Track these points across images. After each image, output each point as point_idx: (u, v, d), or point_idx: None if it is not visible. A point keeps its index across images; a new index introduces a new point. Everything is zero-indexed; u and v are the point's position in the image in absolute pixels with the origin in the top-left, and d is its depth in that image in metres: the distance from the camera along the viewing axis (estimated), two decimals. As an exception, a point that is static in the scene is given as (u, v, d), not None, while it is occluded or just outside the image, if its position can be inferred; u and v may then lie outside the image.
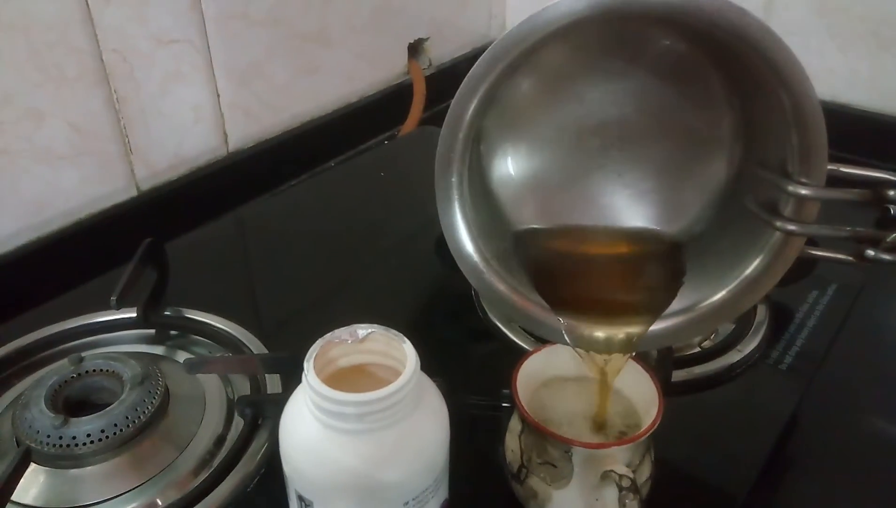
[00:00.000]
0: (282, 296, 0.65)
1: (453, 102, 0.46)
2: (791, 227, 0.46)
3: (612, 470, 0.38)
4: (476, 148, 0.52)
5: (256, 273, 0.70)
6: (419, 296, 0.66)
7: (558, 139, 0.53)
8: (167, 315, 0.59)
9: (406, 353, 0.35)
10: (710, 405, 0.53)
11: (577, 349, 0.46)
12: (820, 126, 0.43)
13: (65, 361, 0.51)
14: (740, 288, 0.49)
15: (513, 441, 0.43)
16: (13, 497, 0.44)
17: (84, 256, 0.68)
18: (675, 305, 0.50)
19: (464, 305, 0.63)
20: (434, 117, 0.99)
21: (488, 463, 0.47)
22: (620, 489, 0.38)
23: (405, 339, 0.36)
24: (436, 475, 0.36)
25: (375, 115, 0.97)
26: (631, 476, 0.38)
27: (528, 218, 0.54)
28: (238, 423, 0.50)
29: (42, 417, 0.46)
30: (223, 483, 0.46)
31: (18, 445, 0.46)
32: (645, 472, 0.41)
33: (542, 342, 0.53)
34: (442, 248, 0.60)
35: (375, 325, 0.37)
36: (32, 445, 0.46)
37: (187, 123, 0.78)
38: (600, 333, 0.47)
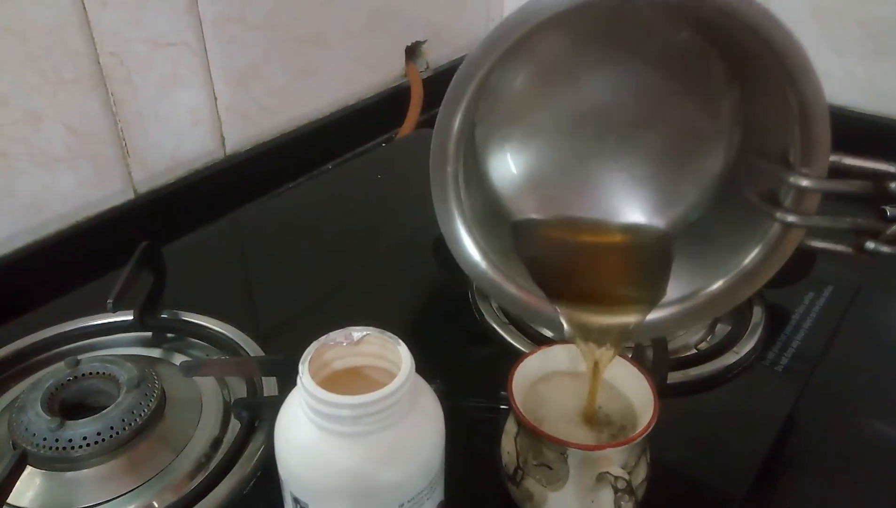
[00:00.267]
0: (279, 299, 0.65)
1: (450, 87, 0.45)
2: (791, 218, 0.46)
3: (607, 472, 0.38)
4: (471, 137, 0.51)
5: (253, 276, 0.70)
6: (416, 299, 0.66)
7: (554, 126, 0.53)
8: (164, 318, 0.59)
9: (401, 355, 0.35)
10: (707, 406, 0.53)
11: (574, 339, 0.45)
12: (824, 117, 0.43)
13: (61, 364, 0.51)
14: (737, 279, 0.49)
15: (509, 443, 0.43)
16: (9, 500, 0.44)
17: (81, 259, 0.68)
18: (672, 294, 0.50)
19: (461, 307, 0.63)
20: (431, 120, 0.98)
21: (484, 466, 0.46)
22: (616, 490, 0.38)
23: (400, 341, 0.36)
24: (431, 477, 0.36)
25: (373, 118, 0.98)
26: (626, 477, 0.38)
27: (523, 205, 0.54)
28: (234, 426, 0.50)
29: (38, 420, 0.46)
30: (219, 485, 0.46)
31: (14, 448, 0.46)
32: (640, 474, 0.41)
33: (538, 344, 0.53)
34: (439, 251, 0.61)
35: (370, 327, 0.37)
36: (29, 448, 0.45)
37: (184, 126, 0.78)
38: (597, 322, 0.46)
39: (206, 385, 0.53)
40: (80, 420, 0.47)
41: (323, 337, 0.37)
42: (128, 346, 0.58)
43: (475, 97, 0.46)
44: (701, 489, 0.48)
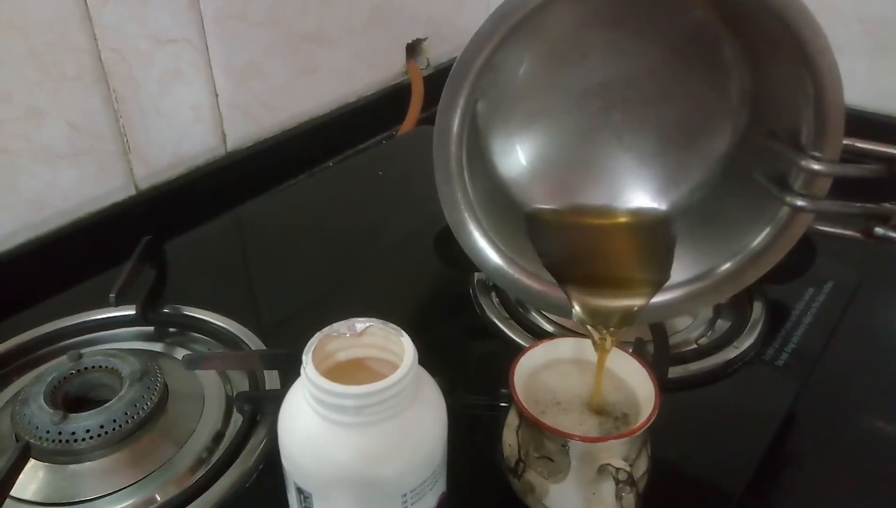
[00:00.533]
0: (280, 294, 0.66)
1: (456, 64, 0.45)
2: (801, 202, 0.45)
3: (608, 464, 0.39)
4: (474, 117, 0.51)
5: (255, 272, 0.70)
6: (417, 295, 0.66)
7: (558, 103, 0.52)
8: (166, 313, 0.59)
9: (404, 346, 0.36)
10: (707, 401, 0.54)
11: (583, 321, 0.45)
12: (839, 100, 0.42)
13: (64, 357, 0.51)
14: (745, 261, 0.49)
15: (510, 436, 0.43)
16: (12, 493, 0.44)
17: (83, 254, 0.68)
18: (680, 276, 0.49)
19: (461, 303, 0.63)
20: (432, 118, 0.98)
21: (486, 460, 0.47)
22: (617, 482, 0.38)
23: (403, 332, 0.36)
24: (434, 468, 0.37)
25: (374, 115, 0.98)
26: (628, 469, 0.38)
27: (527, 185, 0.54)
28: (237, 419, 0.51)
29: (41, 413, 0.47)
30: (221, 478, 0.46)
31: (18, 440, 0.46)
32: (642, 466, 0.42)
33: (539, 338, 0.54)
34: (440, 247, 0.61)
35: (373, 319, 0.37)
36: (32, 440, 0.46)
37: (186, 122, 0.78)
38: (605, 305, 0.46)
39: (209, 379, 0.54)
40: (83, 413, 0.47)
41: (326, 328, 0.37)
42: (130, 340, 0.58)
43: (480, 74, 0.46)
44: (701, 483, 0.48)
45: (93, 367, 0.51)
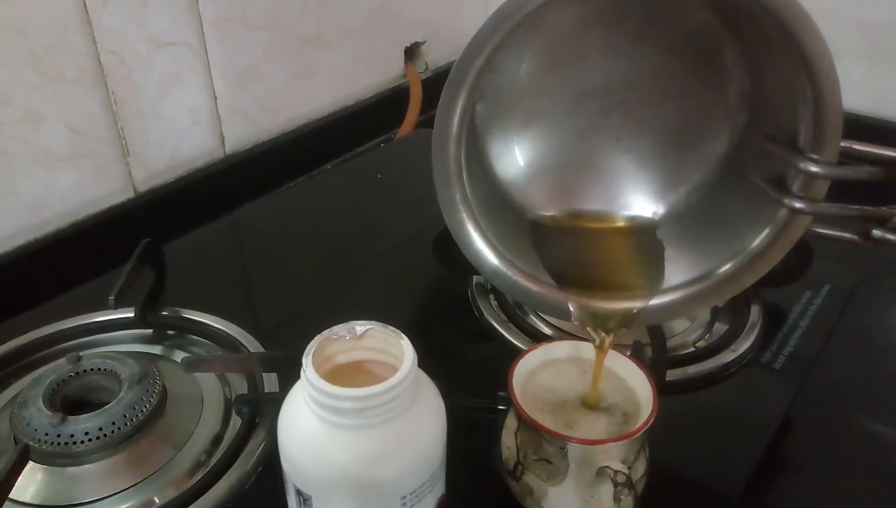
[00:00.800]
0: (278, 297, 0.66)
1: (456, 64, 0.45)
2: (799, 204, 0.45)
3: (607, 466, 0.39)
4: (472, 120, 0.51)
5: (254, 274, 0.70)
6: (416, 298, 0.66)
7: (556, 104, 0.52)
8: (165, 315, 0.59)
9: (404, 349, 0.36)
10: (704, 404, 0.54)
11: (583, 322, 0.45)
12: (837, 103, 0.42)
13: (63, 360, 0.51)
14: (743, 263, 0.48)
15: (509, 439, 0.43)
16: (11, 495, 0.44)
17: (81, 257, 0.68)
18: (678, 278, 0.49)
19: (460, 306, 0.63)
20: (430, 121, 0.98)
21: (484, 464, 0.47)
22: (616, 484, 0.38)
23: (402, 335, 0.37)
24: (433, 470, 0.37)
25: (372, 118, 0.98)
26: (626, 472, 0.38)
27: (524, 184, 0.54)
28: (235, 422, 0.51)
29: (40, 415, 0.47)
30: (220, 481, 0.46)
31: (16, 443, 0.46)
32: (640, 469, 0.42)
33: (537, 341, 0.54)
34: (438, 250, 0.61)
35: (373, 321, 0.38)
36: (30, 443, 0.46)
37: (185, 125, 0.78)
38: (604, 307, 0.46)
39: (207, 382, 0.54)
40: (82, 416, 0.47)
41: (326, 331, 0.37)
42: (129, 343, 0.58)
43: (480, 75, 0.46)
44: (699, 485, 0.48)
45: (92, 369, 0.51)
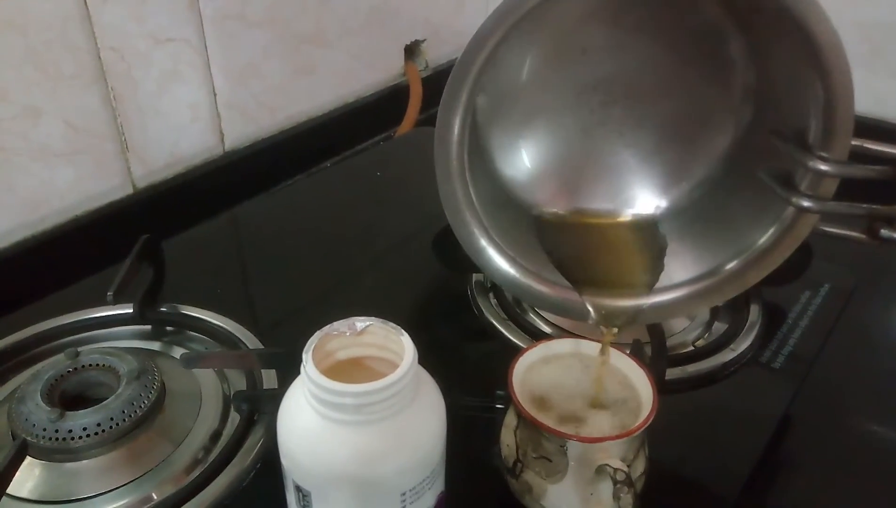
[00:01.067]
0: (277, 294, 0.66)
1: (459, 59, 0.44)
2: (807, 203, 0.44)
3: (606, 464, 0.39)
4: (474, 116, 0.50)
5: (253, 271, 0.70)
6: (415, 296, 0.66)
7: (559, 96, 0.52)
8: (163, 311, 0.59)
9: (404, 345, 0.36)
10: (704, 403, 0.54)
11: (590, 317, 0.45)
12: (849, 100, 0.41)
13: (61, 355, 0.51)
14: (749, 259, 0.48)
15: (508, 436, 0.43)
16: (9, 491, 0.44)
17: (80, 253, 0.68)
18: (684, 275, 0.49)
19: (459, 304, 0.63)
20: (430, 119, 0.99)
21: (484, 462, 0.47)
22: (615, 482, 0.38)
23: (403, 331, 0.37)
24: (433, 466, 0.37)
25: (372, 116, 0.98)
26: (626, 469, 0.38)
27: (526, 179, 0.53)
28: (234, 418, 0.51)
29: (38, 411, 0.46)
30: (218, 477, 0.46)
31: (14, 438, 0.46)
32: (639, 467, 0.42)
33: (536, 339, 0.54)
34: (438, 248, 0.61)
35: (373, 317, 0.38)
36: (28, 438, 0.46)
37: (184, 121, 0.78)
38: (613, 304, 0.46)
39: (206, 378, 0.53)
40: (80, 411, 0.47)
41: (327, 327, 0.37)
42: (127, 339, 0.58)
43: (483, 70, 0.45)
44: (698, 484, 0.48)
45: (90, 365, 0.51)
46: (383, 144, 0.99)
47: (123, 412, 0.47)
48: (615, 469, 0.38)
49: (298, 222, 0.78)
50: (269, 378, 0.53)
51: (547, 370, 0.45)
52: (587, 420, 0.43)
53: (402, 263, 0.70)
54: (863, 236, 0.45)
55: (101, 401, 0.48)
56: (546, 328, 0.59)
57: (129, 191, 0.76)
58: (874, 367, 0.60)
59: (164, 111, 0.76)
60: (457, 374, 0.56)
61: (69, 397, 0.49)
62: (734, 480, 0.47)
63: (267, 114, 0.86)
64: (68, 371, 0.50)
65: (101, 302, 0.56)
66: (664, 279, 0.52)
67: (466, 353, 0.60)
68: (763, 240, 0.48)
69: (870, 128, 0.87)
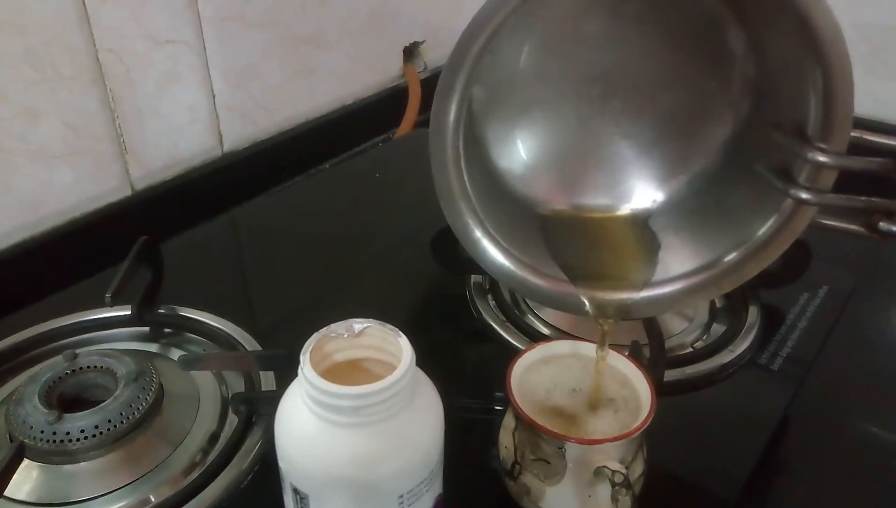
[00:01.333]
0: (276, 296, 0.66)
1: (455, 47, 0.44)
2: (805, 195, 0.44)
3: (605, 466, 0.39)
4: (470, 107, 0.50)
5: (251, 273, 0.70)
6: (414, 297, 0.66)
7: (556, 86, 0.51)
8: (161, 313, 0.59)
9: (402, 347, 0.36)
10: (703, 404, 0.54)
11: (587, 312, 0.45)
12: (849, 92, 0.41)
13: (59, 357, 0.51)
14: (747, 252, 0.48)
15: (506, 438, 0.43)
16: (6, 493, 0.44)
17: (78, 255, 0.68)
18: (679, 268, 0.49)
19: (458, 306, 0.63)
20: (429, 121, 0.99)
21: (482, 464, 0.47)
22: (613, 484, 0.38)
23: (401, 333, 0.36)
24: (431, 469, 0.37)
25: (371, 117, 0.98)
26: (624, 471, 0.38)
27: (522, 171, 0.53)
28: (232, 420, 0.50)
29: (36, 413, 0.46)
30: (216, 480, 0.46)
31: (12, 440, 0.46)
32: (638, 469, 0.42)
33: (535, 341, 0.53)
34: (436, 250, 0.61)
35: (371, 320, 0.37)
36: (26, 440, 0.45)
37: (183, 123, 0.78)
38: (602, 297, 0.46)
39: (204, 380, 0.53)
40: (78, 413, 0.47)
41: (324, 328, 0.37)
42: (125, 341, 0.58)
43: (479, 58, 0.45)
44: (696, 486, 0.48)
45: (88, 367, 0.50)
46: (382, 146, 0.99)
47: (121, 414, 0.47)
48: (613, 471, 0.38)
49: (297, 223, 0.78)
50: (267, 380, 0.53)
51: (545, 371, 0.45)
52: (586, 422, 0.43)
53: (400, 264, 0.70)
54: (862, 229, 0.45)
55: (99, 403, 0.47)
56: (544, 330, 0.59)
57: (128, 192, 0.76)
58: (873, 368, 0.60)
59: (162, 113, 0.76)
60: (455, 376, 0.56)
61: (67, 399, 0.49)
62: (733, 482, 0.47)
63: (266, 115, 0.86)
64: (66, 373, 0.50)
65: (100, 304, 0.56)
66: (661, 273, 0.52)
67: (465, 355, 0.60)
68: (761, 232, 0.47)
69: (869, 130, 0.87)
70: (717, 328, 0.59)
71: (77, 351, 0.51)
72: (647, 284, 0.49)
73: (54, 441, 0.46)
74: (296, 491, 0.36)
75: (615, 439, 0.40)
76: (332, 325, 0.37)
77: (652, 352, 0.53)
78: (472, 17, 0.43)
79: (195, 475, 0.46)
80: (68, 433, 0.46)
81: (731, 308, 0.61)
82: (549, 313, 0.60)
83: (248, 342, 0.56)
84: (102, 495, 0.45)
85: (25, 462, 0.45)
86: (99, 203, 0.73)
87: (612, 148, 0.52)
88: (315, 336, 0.36)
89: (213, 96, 0.80)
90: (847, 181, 0.45)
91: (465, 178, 0.49)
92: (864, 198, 0.44)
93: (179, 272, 0.64)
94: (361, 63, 0.95)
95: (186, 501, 0.45)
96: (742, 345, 0.57)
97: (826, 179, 0.45)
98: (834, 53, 0.41)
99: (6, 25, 0.62)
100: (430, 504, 0.38)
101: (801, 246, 0.54)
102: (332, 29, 0.89)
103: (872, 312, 0.65)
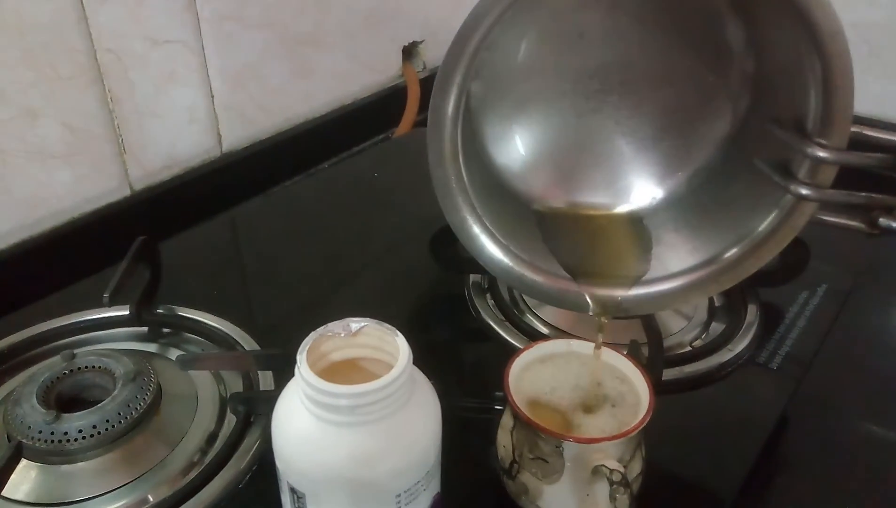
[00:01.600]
0: (274, 296, 0.66)
1: (453, 41, 0.44)
2: (805, 191, 0.44)
3: (603, 465, 0.38)
4: (468, 102, 0.50)
5: (250, 273, 0.70)
6: (412, 297, 0.66)
7: (554, 82, 0.51)
8: (160, 313, 0.59)
9: (398, 346, 0.36)
10: (701, 403, 0.54)
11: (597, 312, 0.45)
12: (849, 87, 0.41)
13: (57, 357, 0.51)
14: (745, 249, 0.48)
15: (504, 437, 0.43)
16: (4, 493, 0.44)
17: (77, 255, 0.68)
18: (678, 265, 0.48)
19: (456, 305, 0.63)
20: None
21: (480, 463, 0.47)
22: (611, 483, 0.38)
23: (398, 332, 0.36)
24: (428, 468, 0.36)
25: (369, 117, 0.98)
26: (622, 470, 0.38)
27: (520, 167, 0.53)
28: (230, 420, 0.50)
29: (34, 413, 0.46)
30: (214, 479, 0.46)
31: (10, 440, 0.46)
32: (636, 468, 0.42)
33: (533, 340, 0.53)
34: (435, 249, 0.61)
35: (368, 319, 0.37)
36: (24, 441, 0.45)
37: (181, 123, 0.78)
38: (598, 293, 0.46)
39: (202, 380, 0.53)
40: (76, 413, 0.47)
41: (321, 328, 0.37)
42: (124, 341, 0.58)
43: (477, 52, 0.45)
44: (695, 485, 0.48)
45: (86, 367, 0.50)
46: (381, 146, 0.99)
47: (119, 414, 0.47)
48: (611, 470, 0.38)
49: (296, 223, 0.78)
50: (265, 380, 0.53)
51: (543, 370, 0.45)
52: (584, 421, 0.43)
53: (399, 264, 0.70)
54: (861, 225, 0.45)
55: (97, 403, 0.47)
56: (543, 329, 0.59)
57: (127, 193, 0.76)
58: (871, 367, 0.60)
59: (161, 113, 0.76)
60: (454, 375, 0.56)
61: (65, 399, 0.49)
62: (731, 481, 0.47)
63: (264, 115, 0.86)
64: (64, 373, 0.50)
65: (98, 304, 0.56)
66: (661, 269, 0.52)
67: (463, 354, 0.60)
68: (761, 228, 0.47)
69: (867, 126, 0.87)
70: (716, 327, 0.59)
71: (75, 351, 0.51)
72: (646, 281, 0.49)
73: (52, 441, 0.46)
74: (293, 491, 0.36)
75: (613, 438, 0.40)
76: (329, 324, 0.37)
77: (650, 351, 0.53)
78: (470, 12, 0.43)
79: (193, 474, 0.46)
80: (66, 433, 0.46)
81: (729, 307, 0.61)
82: (547, 313, 0.60)
83: (247, 342, 0.56)
84: (100, 495, 0.45)
85: (23, 462, 0.46)
86: (98, 203, 0.73)
87: (610, 144, 0.52)
88: (312, 335, 0.36)
89: (212, 96, 0.80)
90: (847, 177, 0.45)
91: (464, 173, 0.49)
92: (863, 194, 0.44)
93: (178, 272, 0.64)
94: (360, 63, 0.95)
95: (184, 501, 0.45)
96: (741, 344, 0.57)
97: (826, 174, 0.44)
98: (834, 47, 0.41)
99: (5, 26, 0.62)
100: (427, 504, 0.38)
101: (799, 245, 0.54)
102: (330, 29, 0.89)
103: (871, 310, 0.65)
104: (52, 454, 0.46)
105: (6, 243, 0.68)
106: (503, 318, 0.60)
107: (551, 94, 0.52)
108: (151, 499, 0.45)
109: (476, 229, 0.50)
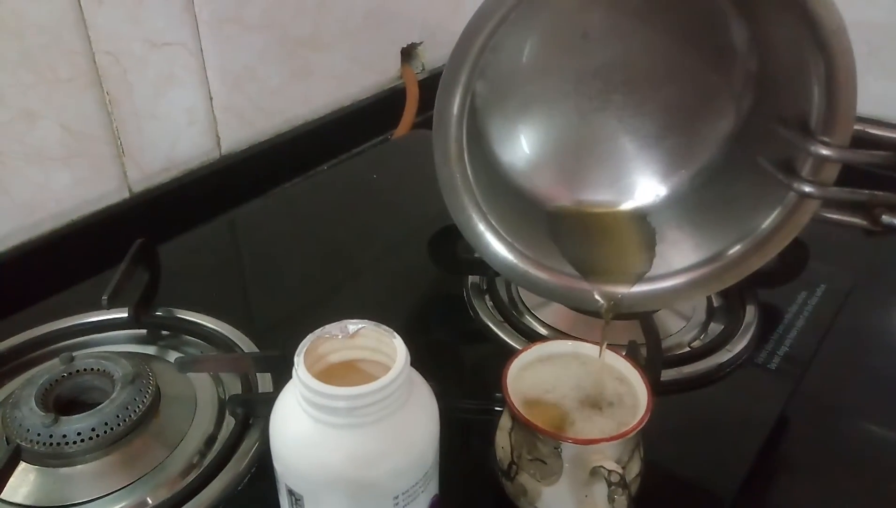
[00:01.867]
0: (273, 298, 0.66)
1: (458, 41, 0.44)
2: (808, 189, 0.44)
3: (601, 466, 0.38)
4: (473, 101, 0.50)
5: (249, 275, 0.70)
6: (411, 298, 0.66)
7: (558, 81, 0.51)
8: (159, 315, 0.59)
9: (396, 348, 0.36)
10: (700, 404, 0.54)
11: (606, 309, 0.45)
12: (852, 84, 0.41)
13: (56, 360, 0.51)
14: (748, 247, 0.48)
15: (503, 438, 0.43)
16: (3, 496, 0.44)
17: (76, 257, 0.68)
18: (681, 262, 0.48)
19: (455, 307, 0.63)
20: (427, 122, 0.98)
21: (479, 464, 0.47)
22: (610, 484, 0.38)
23: (395, 334, 0.36)
24: (426, 469, 0.36)
25: (368, 119, 0.98)
26: (620, 471, 0.38)
27: (525, 166, 0.53)
28: (229, 422, 0.50)
29: (32, 415, 0.46)
30: (213, 482, 0.46)
31: (8, 443, 0.46)
32: (634, 469, 0.42)
33: (532, 341, 0.53)
34: (434, 251, 0.61)
35: (366, 320, 0.37)
36: (23, 443, 0.45)
37: (180, 125, 0.78)
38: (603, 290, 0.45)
39: (201, 382, 0.53)
40: (75, 416, 0.47)
41: (318, 330, 0.37)
42: (122, 343, 0.58)
43: (482, 52, 0.45)
44: (693, 486, 0.48)
45: (85, 370, 0.50)
46: (380, 147, 0.99)
47: (118, 416, 0.47)
48: (610, 471, 0.38)
49: (294, 225, 0.78)
50: (264, 382, 0.53)
51: (542, 371, 0.45)
52: (582, 422, 0.43)
53: (398, 265, 0.70)
54: (864, 223, 0.45)
55: (96, 406, 0.47)
56: (541, 330, 0.59)
57: (126, 195, 0.76)
58: (870, 368, 0.60)
59: (160, 115, 0.76)
60: (452, 376, 0.56)
61: (63, 401, 0.49)
62: (730, 481, 0.47)
63: (263, 117, 0.86)
64: (63, 376, 0.50)
65: (97, 306, 0.56)
66: (664, 267, 0.52)
67: (462, 355, 0.60)
68: (764, 226, 0.47)
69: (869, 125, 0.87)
70: (715, 328, 0.59)
71: (74, 354, 0.51)
72: (649, 278, 0.49)
73: (51, 444, 0.46)
74: (291, 493, 0.36)
75: (611, 438, 0.40)
76: (327, 326, 0.37)
77: (649, 351, 0.53)
78: (475, 12, 0.43)
79: (192, 477, 0.46)
80: (65, 436, 0.46)
81: (728, 307, 0.61)
82: (546, 314, 0.60)
83: (246, 344, 0.56)
84: (99, 497, 0.45)
85: (22, 464, 0.46)
86: (96, 206, 0.73)
87: (614, 143, 0.52)
88: (309, 337, 0.36)
89: (211, 98, 0.80)
90: (849, 175, 0.45)
91: (469, 172, 0.49)
92: (866, 191, 0.44)
93: (177, 275, 0.64)
94: (359, 64, 0.95)
95: (183, 503, 0.44)
96: (739, 344, 0.57)
97: (829, 172, 0.44)
98: (837, 45, 0.41)
99: (3, 28, 0.62)
100: (426, 505, 0.38)
101: (799, 245, 0.54)
102: (329, 30, 0.89)
103: (870, 311, 0.65)
104: (51, 456, 0.46)
105: (5, 245, 0.68)
106: (502, 319, 0.60)
107: (555, 94, 0.52)
108: (150, 502, 0.45)
109: (481, 227, 0.51)
